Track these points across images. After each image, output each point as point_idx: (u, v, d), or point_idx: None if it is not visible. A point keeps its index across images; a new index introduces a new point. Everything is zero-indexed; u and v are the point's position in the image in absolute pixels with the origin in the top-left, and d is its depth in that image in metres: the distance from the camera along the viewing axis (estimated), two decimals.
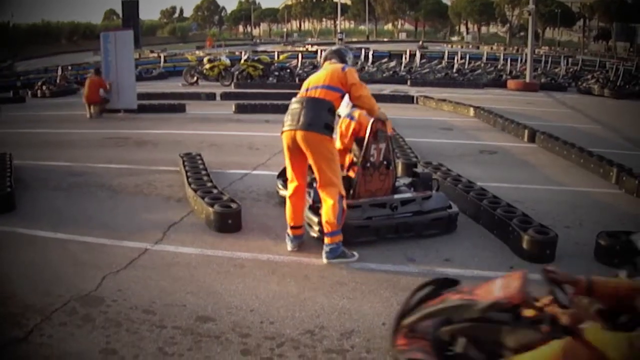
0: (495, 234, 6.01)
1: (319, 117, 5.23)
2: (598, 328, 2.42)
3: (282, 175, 7.35)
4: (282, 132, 5.43)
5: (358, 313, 4.36)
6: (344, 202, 5.35)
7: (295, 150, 5.36)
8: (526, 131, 11.71)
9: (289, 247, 5.69)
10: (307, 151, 5.27)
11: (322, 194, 5.37)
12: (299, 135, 5.23)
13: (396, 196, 6.09)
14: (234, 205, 6.27)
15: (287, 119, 5.38)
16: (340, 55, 5.74)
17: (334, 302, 4.54)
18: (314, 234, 5.79)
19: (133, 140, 11.65)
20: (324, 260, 5.33)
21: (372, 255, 5.48)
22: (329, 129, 5.28)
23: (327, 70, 5.48)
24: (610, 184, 8.23)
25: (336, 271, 5.14)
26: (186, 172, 7.71)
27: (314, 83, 5.44)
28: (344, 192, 5.38)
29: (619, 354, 2.24)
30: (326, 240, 5.36)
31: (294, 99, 5.48)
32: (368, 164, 5.92)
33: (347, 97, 5.57)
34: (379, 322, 4.23)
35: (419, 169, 7.38)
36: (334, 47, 6.29)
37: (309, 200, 6.05)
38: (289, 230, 5.71)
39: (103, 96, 15.14)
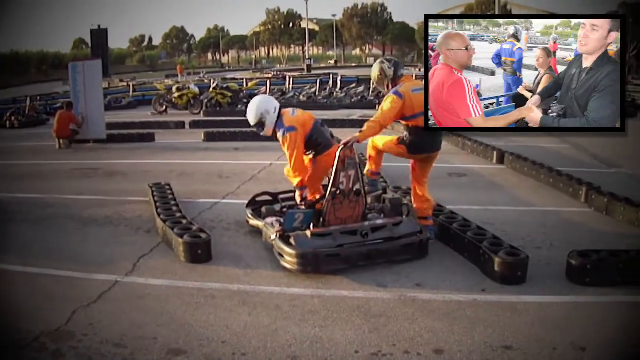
0: (466, 257, 6.02)
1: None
2: None
3: (251, 204, 7.35)
4: (417, 154, 6.39)
5: (330, 341, 4.35)
6: None
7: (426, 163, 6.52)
8: (495, 153, 11.72)
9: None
10: (432, 161, 6.56)
11: (424, 189, 6.60)
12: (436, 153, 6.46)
13: (367, 223, 6.11)
14: (203, 236, 6.23)
15: (427, 142, 6.23)
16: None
17: (306, 331, 4.53)
18: (286, 265, 5.74)
19: (103, 171, 11.55)
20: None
21: (343, 282, 5.48)
22: None
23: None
24: (580, 202, 8.30)
25: (308, 300, 5.13)
26: (155, 202, 7.65)
27: (418, 108, 5.84)
28: None
29: None
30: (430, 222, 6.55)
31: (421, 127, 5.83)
32: (338, 192, 5.93)
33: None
34: (351, 350, 4.22)
35: (389, 195, 7.39)
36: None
37: (278, 228, 6.05)
38: None
39: (73, 129, 14.98)
